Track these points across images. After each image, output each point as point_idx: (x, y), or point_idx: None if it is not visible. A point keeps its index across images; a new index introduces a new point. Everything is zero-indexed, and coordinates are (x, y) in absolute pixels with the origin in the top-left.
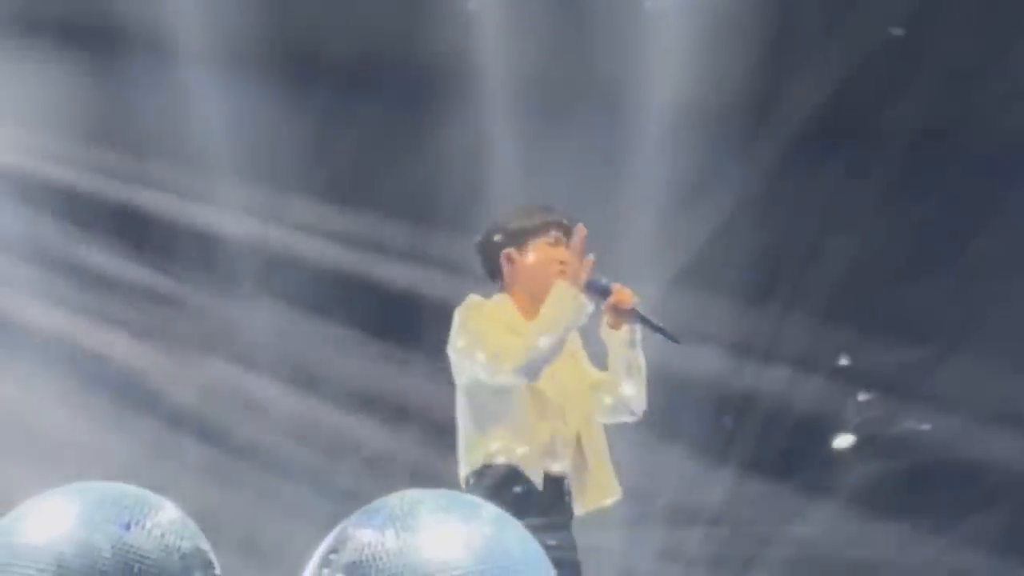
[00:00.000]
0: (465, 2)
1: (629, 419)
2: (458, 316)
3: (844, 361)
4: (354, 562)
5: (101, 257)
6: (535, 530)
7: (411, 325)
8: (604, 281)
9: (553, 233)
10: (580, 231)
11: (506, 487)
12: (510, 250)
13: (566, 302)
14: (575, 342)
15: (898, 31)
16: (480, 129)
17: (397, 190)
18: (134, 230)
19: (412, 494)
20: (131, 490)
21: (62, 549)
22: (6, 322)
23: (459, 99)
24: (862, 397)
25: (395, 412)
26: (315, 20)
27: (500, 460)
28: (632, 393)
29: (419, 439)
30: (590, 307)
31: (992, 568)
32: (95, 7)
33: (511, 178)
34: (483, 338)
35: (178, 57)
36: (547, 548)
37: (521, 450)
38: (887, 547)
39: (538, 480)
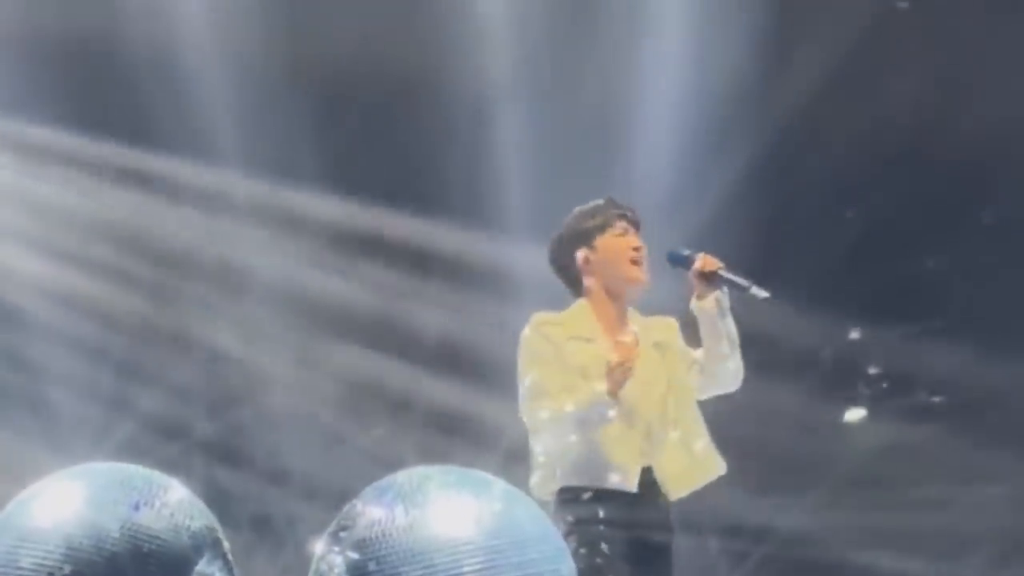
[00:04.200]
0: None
1: (728, 390)
2: (521, 343)
3: (855, 335)
4: (364, 539)
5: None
6: (632, 526)
7: (417, 310)
8: (686, 252)
9: (620, 224)
10: None
11: (597, 497)
12: (583, 251)
13: (596, 400)
14: (664, 331)
15: (903, 3)
16: (480, 112)
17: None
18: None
19: (421, 471)
20: (139, 470)
21: (71, 531)
22: (14, 309)
23: (457, 83)
24: (872, 370)
25: (400, 395)
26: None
27: (584, 477)
28: (728, 364)
29: (425, 420)
30: (608, 410)
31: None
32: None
33: (511, 155)
34: (529, 383)
35: (182, 51)
36: (644, 539)
37: (592, 471)
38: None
39: (630, 482)
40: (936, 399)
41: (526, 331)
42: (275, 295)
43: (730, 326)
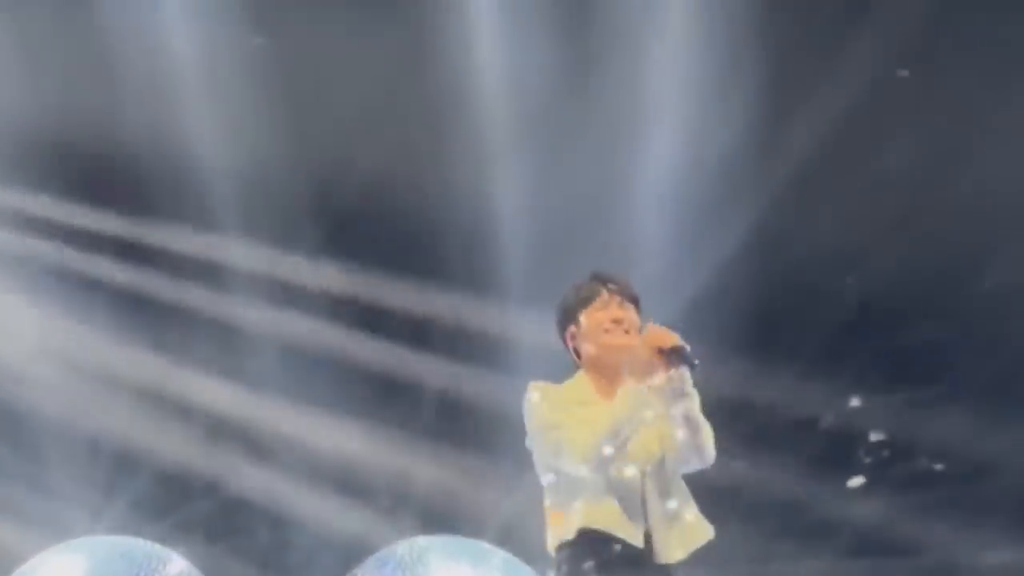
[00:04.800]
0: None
1: (697, 468)
2: (524, 408)
3: (855, 402)
4: None
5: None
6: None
7: (417, 379)
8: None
9: (600, 297)
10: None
11: (600, 551)
12: (571, 328)
13: (629, 400)
14: (659, 401)
15: (903, 72)
16: (482, 173)
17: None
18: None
19: (421, 541)
20: (139, 544)
21: None
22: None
23: (455, 155)
24: (874, 437)
25: (401, 467)
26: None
27: (589, 527)
28: (691, 443)
29: (428, 487)
30: (650, 408)
31: None
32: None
33: (510, 224)
34: (546, 432)
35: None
36: None
37: (607, 514)
38: None
39: (634, 539)
40: (937, 466)
41: (527, 397)
42: (276, 365)
43: (690, 403)
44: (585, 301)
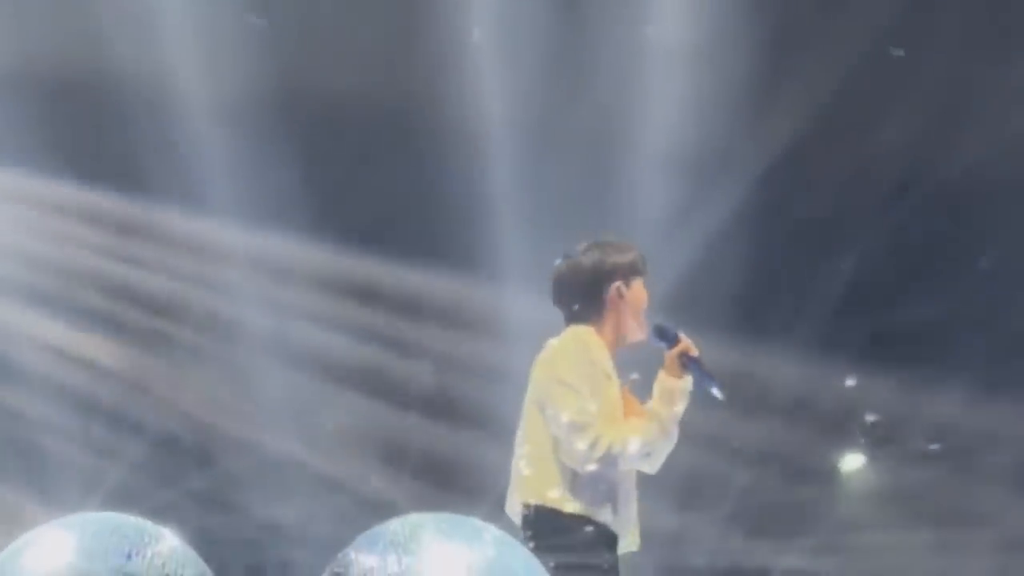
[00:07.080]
0: (457, 39)
1: (646, 471)
2: (572, 352)
3: (851, 382)
4: None
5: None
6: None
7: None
8: (672, 329)
9: (644, 276)
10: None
11: (581, 527)
12: (618, 284)
13: (676, 399)
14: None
15: (898, 51)
16: (472, 168)
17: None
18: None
19: (413, 518)
20: (131, 520)
21: None
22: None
23: (448, 127)
24: (870, 417)
25: (393, 444)
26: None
27: (582, 507)
28: (666, 449)
29: (419, 466)
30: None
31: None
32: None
33: (503, 199)
34: (586, 415)
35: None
36: None
37: (603, 500)
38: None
39: (610, 521)
40: (933, 446)
41: (581, 341)
42: (267, 342)
43: (679, 411)
44: (639, 270)
